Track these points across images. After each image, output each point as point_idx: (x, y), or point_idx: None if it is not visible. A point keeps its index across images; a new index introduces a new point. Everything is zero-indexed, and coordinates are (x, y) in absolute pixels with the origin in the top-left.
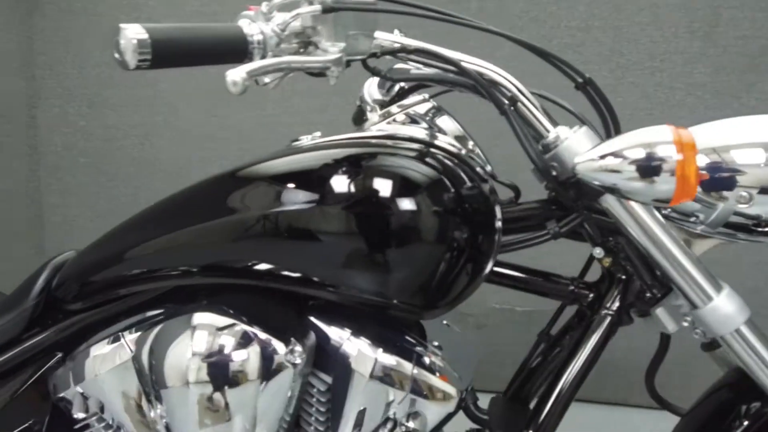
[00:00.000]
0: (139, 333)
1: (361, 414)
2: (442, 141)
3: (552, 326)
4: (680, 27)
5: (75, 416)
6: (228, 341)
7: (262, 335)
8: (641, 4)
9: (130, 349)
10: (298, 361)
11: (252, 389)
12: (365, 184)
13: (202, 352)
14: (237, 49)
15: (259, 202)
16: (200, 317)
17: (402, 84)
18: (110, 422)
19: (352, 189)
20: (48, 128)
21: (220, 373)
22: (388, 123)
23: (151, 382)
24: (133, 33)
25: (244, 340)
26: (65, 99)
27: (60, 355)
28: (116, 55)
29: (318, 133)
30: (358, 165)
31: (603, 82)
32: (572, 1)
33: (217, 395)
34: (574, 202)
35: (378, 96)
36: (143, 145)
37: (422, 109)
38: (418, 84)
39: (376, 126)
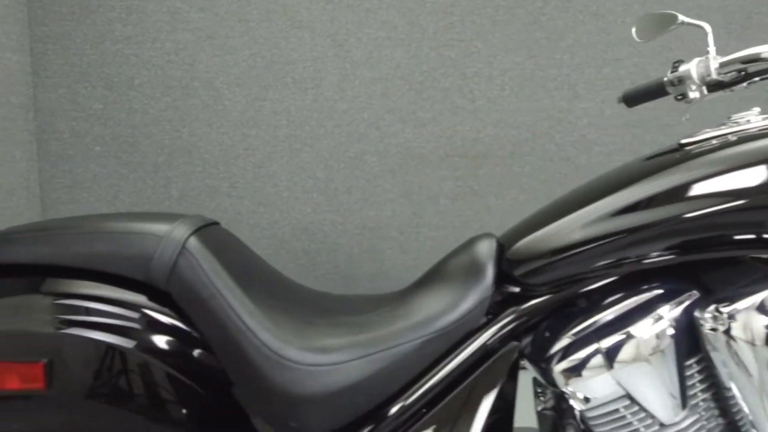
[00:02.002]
0: (675, 308)
1: None
2: None
3: None
4: (719, 26)
5: (588, 407)
6: None
7: None
8: (687, 5)
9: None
10: None
11: None
12: None
13: None
14: None
15: None
16: None
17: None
18: (641, 408)
19: None
20: (50, 112)
21: None
22: None
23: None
24: None
25: None
26: (74, 78)
27: (516, 344)
28: None
29: (757, 109)
30: None
31: (654, 74)
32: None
33: None
34: None
35: (715, 77)
36: (178, 131)
37: None
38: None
39: None
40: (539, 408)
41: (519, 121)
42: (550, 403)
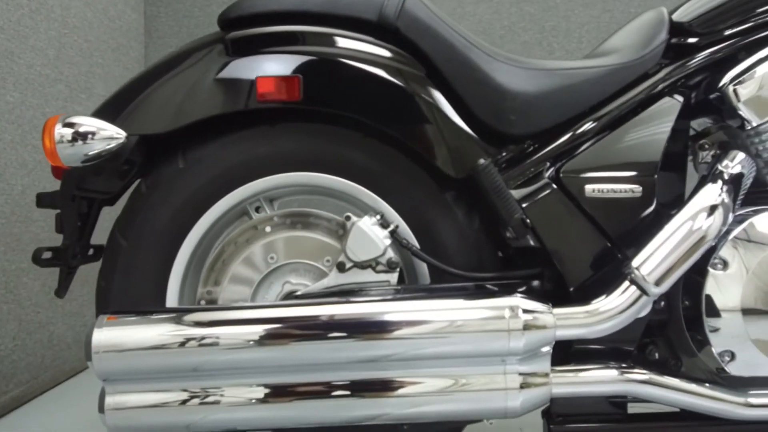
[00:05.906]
0: None
1: None
2: None
3: None
4: None
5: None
6: None
7: None
8: None
9: None
10: None
11: None
12: None
13: None
14: None
15: None
16: None
17: None
18: None
19: None
20: None
21: None
22: None
23: None
24: None
25: None
26: (182, 39)
27: (678, 99)
28: None
29: None
30: None
31: None
32: None
33: None
34: None
35: None
36: None
37: None
38: None
39: None
40: (698, 161)
41: None
42: (714, 150)
